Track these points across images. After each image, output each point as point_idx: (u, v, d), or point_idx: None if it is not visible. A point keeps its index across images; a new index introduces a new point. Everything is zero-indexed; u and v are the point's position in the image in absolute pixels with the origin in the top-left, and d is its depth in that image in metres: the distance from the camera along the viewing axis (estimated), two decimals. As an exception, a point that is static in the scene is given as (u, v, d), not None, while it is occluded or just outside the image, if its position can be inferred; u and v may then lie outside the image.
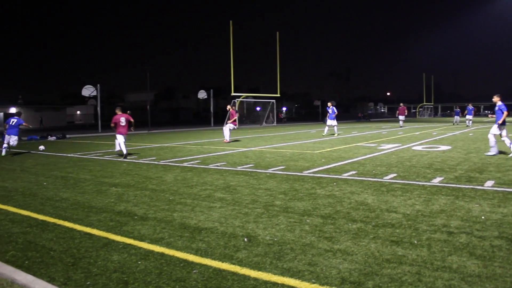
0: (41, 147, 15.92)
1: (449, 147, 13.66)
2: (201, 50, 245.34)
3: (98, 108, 31.31)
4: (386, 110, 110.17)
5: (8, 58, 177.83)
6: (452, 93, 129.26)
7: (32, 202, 6.39)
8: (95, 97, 32.86)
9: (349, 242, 4.19)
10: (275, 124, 44.97)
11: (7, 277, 3.51)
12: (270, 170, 9.11)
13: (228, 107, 18.89)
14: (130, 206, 6.01)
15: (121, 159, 11.84)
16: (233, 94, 37.91)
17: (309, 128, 31.61)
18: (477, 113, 54.07)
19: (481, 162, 9.79)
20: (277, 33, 42.38)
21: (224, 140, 17.66)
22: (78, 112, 74.75)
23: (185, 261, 3.79)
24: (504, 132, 10.94)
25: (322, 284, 3.25)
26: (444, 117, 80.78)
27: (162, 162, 11.00)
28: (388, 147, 14.02)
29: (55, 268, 3.68)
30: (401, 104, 32.69)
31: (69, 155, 13.64)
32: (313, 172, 8.70)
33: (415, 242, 4.16)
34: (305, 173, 8.67)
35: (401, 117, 31.41)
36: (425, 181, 7.41)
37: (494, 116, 11.42)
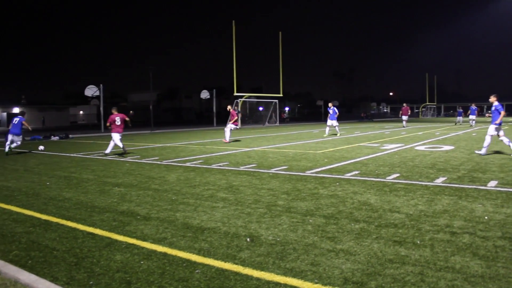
0: (41, 147, 15.96)
1: (452, 147, 13.62)
2: (203, 50, 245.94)
3: (101, 108, 31.37)
4: (389, 110, 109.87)
5: (11, 58, 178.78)
6: (455, 93, 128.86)
7: (35, 202, 6.42)
8: (98, 97, 32.97)
9: (352, 242, 4.19)
10: (277, 124, 44.97)
11: (10, 277, 3.52)
12: (272, 170, 9.11)
13: (229, 107, 18.74)
14: (133, 206, 6.02)
15: (123, 158, 11.87)
16: (235, 94, 37.92)
17: (311, 128, 31.58)
18: (480, 113, 53.91)
19: (484, 162, 9.76)
20: (280, 33, 42.54)
21: (224, 140, 17.67)
22: (81, 112, 75.05)
23: (188, 261, 3.80)
24: (501, 132, 11.02)
25: (325, 284, 3.24)
26: (447, 117, 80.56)
27: (164, 162, 11.02)
28: (391, 147, 13.99)
29: (58, 268, 3.69)
30: (404, 104, 32.71)
31: (72, 155, 13.68)
32: (316, 172, 8.70)
33: (418, 242, 4.16)
34: (308, 173, 8.67)
35: (405, 117, 31.41)
36: (428, 181, 7.39)
37: (491, 115, 11.41)
